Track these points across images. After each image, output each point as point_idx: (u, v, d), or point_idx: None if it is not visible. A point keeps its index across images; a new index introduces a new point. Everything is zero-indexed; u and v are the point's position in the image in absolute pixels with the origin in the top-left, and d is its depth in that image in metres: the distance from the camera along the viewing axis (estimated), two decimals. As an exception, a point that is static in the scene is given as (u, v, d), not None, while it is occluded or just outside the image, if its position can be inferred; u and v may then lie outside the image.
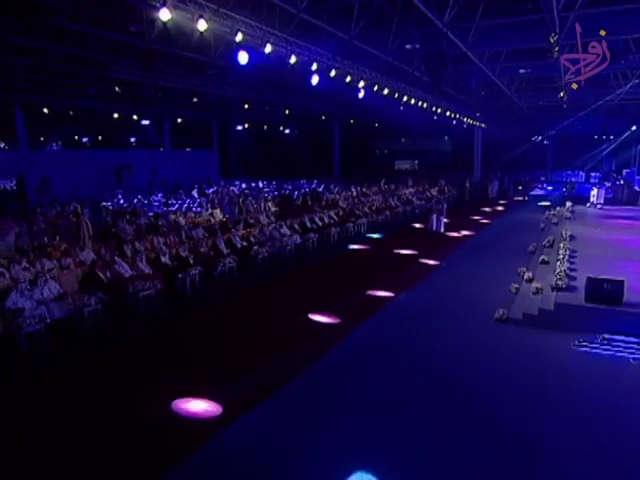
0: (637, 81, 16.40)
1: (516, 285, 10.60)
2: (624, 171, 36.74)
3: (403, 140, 45.65)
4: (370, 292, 10.81)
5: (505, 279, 11.12)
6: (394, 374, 7.05)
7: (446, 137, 43.53)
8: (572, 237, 14.42)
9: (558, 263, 10.79)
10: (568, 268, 10.56)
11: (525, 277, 10.92)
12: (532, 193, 34.87)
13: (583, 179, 41.07)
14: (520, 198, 31.62)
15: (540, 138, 39.97)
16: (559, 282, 9.36)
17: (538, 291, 9.61)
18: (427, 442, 5.42)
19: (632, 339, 7.83)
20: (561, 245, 12.79)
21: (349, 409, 6.09)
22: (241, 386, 6.60)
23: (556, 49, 11.73)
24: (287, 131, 37.09)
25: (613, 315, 8.17)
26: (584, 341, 7.94)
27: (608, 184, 34.61)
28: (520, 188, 35.13)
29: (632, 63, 15.47)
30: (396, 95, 16.47)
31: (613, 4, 11.14)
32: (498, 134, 35.96)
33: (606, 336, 8.00)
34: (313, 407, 6.17)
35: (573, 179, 38.36)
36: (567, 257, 11.45)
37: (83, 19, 11.72)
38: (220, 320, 9.29)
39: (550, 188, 36.79)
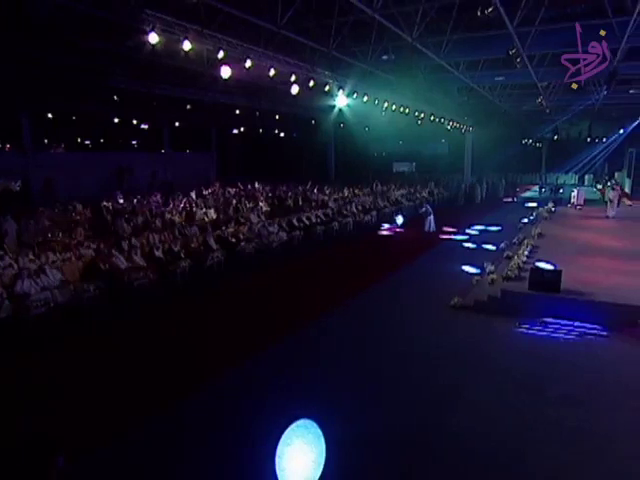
0: (604, 87, 17.33)
1: (477, 277, 11.64)
2: (616, 173, 37.65)
3: (401, 142, 46.57)
4: (345, 282, 11.96)
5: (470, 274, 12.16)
6: (363, 348, 8.23)
7: (443, 140, 44.45)
8: (540, 235, 15.41)
9: (515, 257, 11.81)
10: (524, 262, 11.56)
11: (487, 270, 11.92)
12: (523, 195, 35.83)
13: (576, 181, 42.08)
14: (509, 200, 32.57)
15: (530, 141, 40.92)
16: (509, 273, 10.40)
17: (493, 281, 10.64)
18: (365, 401, 6.50)
19: (566, 322, 8.86)
20: (525, 242, 13.80)
21: (307, 376, 7.18)
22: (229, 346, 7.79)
23: (518, 60, 12.73)
24: (282, 134, 38.19)
25: (551, 301, 9.17)
26: (525, 324, 8.98)
27: (599, 186, 35.56)
28: (510, 191, 36.11)
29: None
30: (376, 102, 17.48)
31: (564, 21, 12.11)
32: (491, 137, 36.81)
33: (545, 319, 9.04)
34: (283, 373, 7.26)
35: (560, 181, 39.40)
36: (526, 252, 12.45)
37: (85, 34, 12.86)
38: (200, 305, 10.56)
39: (543, 190, 37.71)
